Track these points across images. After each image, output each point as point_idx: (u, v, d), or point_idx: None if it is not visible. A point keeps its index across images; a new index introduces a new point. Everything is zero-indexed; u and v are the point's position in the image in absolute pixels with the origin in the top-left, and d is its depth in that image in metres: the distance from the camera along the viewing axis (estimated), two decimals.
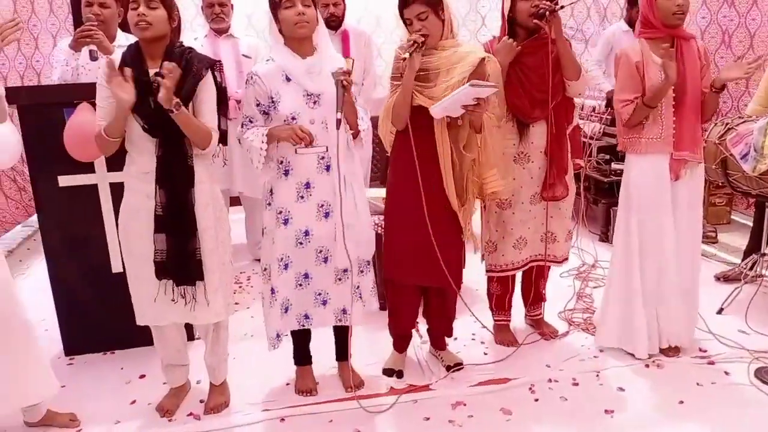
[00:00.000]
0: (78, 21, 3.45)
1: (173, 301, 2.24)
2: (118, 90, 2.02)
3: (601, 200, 4.34)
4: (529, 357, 2.78)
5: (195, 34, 3.78)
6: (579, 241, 3.93)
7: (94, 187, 2.72)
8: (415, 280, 2.54)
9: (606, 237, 4.28)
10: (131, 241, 2.24)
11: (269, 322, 2.38)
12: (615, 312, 2.75)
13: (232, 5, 3.69)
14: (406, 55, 2.22)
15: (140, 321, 2.33)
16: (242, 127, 2.29)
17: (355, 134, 2.36)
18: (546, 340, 2.93)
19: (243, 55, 3.68)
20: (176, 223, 2.16)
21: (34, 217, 4.71)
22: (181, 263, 2.19)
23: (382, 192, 3.02)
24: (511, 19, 2.55)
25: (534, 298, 2.98)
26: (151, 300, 2.24)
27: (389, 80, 2.43)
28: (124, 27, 2.95)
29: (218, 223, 2.28)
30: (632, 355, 2.72)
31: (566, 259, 2.90)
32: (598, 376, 2.63)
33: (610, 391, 2.52)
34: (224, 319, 2.37)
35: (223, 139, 2.28)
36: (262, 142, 2.21)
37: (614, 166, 4.24)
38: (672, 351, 2.74)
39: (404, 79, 2.27)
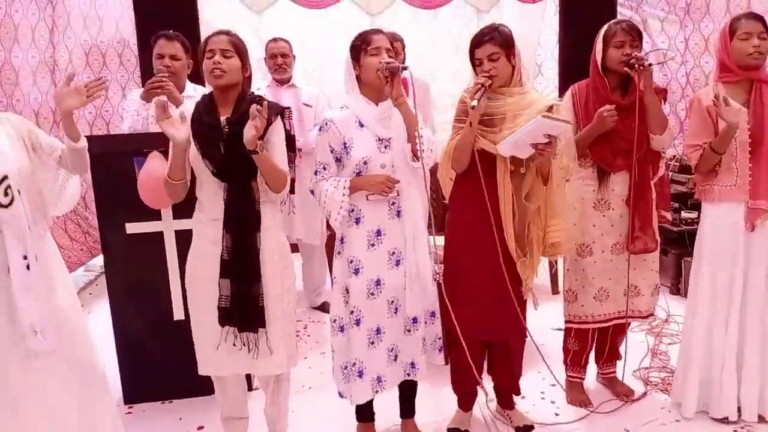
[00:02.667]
0: (146, 73, 3.57)
1: (236, 347, 2.18)
2: (169, 128, 2.04)
3: (671, 250, 4.15)
4: (606, 419, 2.61)
5: (256, 85, 3.86)
6: None
7: (159, 235, 2.74)
8: (480, 335, 2.43)
9: (677, 289, 4.08)
10: (196, 287, 2.22)
11: (340, 379, 2.32)
12: (694, 371, 2.56)
13: (294, 56, 3.78)
14: (474, 103, 2.18)
15: (202, 370, 2.28)
16: (316, 174, 2.26)
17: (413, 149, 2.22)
18: (621, 400, 2.75)
19: (304, 104, 3.74)
20: (241, 267, 2.13)
21: (95, 261, 4.84)
22: (244, 309, 2.15)
23: (440, 240, 2.94)
24: (603, 66, 2.50)
25: (609, 355, 2.82)
26: (213, 348, 2.20)
27: (453, 124, 2.38)
28: (193, 78, 3.04)
29: (284, 271, 2.24)
30: (717, 419, 2.52)
31: (651, 314, 2.74)
32: None
33: None
34: (286, 371, 2.31)
35: (291, 187, 2.26)
36: (344, 194, 2.17)
37: (684, 214, 4.07)
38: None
39: (469, 118, 2.22)
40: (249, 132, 1.98)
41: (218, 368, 2.25)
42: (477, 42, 2.27)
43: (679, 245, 4.09)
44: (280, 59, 3.71)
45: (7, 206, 1.91)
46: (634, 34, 2.43)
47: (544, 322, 2.79)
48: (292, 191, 2.33)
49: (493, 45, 2.23)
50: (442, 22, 5.42)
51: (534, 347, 2.48)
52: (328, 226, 4.08)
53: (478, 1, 5.39)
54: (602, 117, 2.42)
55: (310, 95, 3.81)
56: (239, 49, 2.14)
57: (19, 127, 2.06)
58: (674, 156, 4.60)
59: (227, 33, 2.16)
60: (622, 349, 2.86)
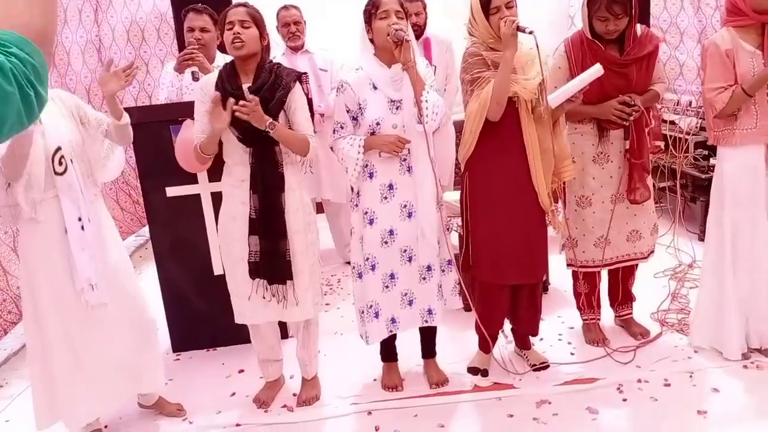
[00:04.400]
0: (182, 45, 3.75)
1: (265, 299, 2.40)
2: (214, 122, 2.24)
3: (699, 197, 4.15)
4: (619, 358, 2.72)
5: (272, 53, 3.99)
6: (676, 241, 3.79)
7: (197, 197, 2.96)
8: (512, 279, 2.55)
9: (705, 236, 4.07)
10: (229, 244, 2.42)
11: (359, 321, 2.51)
12: (707, 311, 2.65)
13: (305, 22, 3.86)
14: (530, 29, 2.23)
15: (238, 319, 2.51)
16: (334, 133, 2.41)
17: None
18: (637, 339, 2.86)
19: (320, 69, 3.84)
20: (268, 225, 2.33)
21: (145, 229, 5.16)
22: (272, 263, 2.35)
23: (455, 195, 3.06)
24: (592, 33, 2.55)
25: (623, 297, 2.92)
26: (246, 299, 2.42)
27: (471, 78, 2.41)
28: (222, 49, 3.20)
29: (308, 227, 2.43)
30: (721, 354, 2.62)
31: (652, 252, 2.83)
32: (691, 377, 2.55)
33: (704, 392, 2.43)
34: (314, 316, 2.51)
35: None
36: (359, 152, 2.33)
37: (713, 161, 4.04)
38: (765, 352, 2.60)
39: (504, 61, 2.27)
40: (252, 120, 2.18)
41: (252, 317, 2.48)
42: None
43: (707, 192, 4.03)
44: (293, 27, 3.77)
45: (62, 174, 2.15)
46: (617, 7, 2.40)
47: (564, 268, 2.89)
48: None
49: None
50: None
51: (557, 291, 2.60)
52: None
53: None
54: (608, 109, 2.52)
55: (324, 60, 3.89)
56: (256, 19, 2.29)
57: (69, 102, 2.28)
58: (689, 102, 4.54)
59: (245, 5, 2.31)
60: (641, 293, 2.95)
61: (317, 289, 2.52)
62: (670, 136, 4.33)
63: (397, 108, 2.34)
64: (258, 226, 2.34)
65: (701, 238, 4.09)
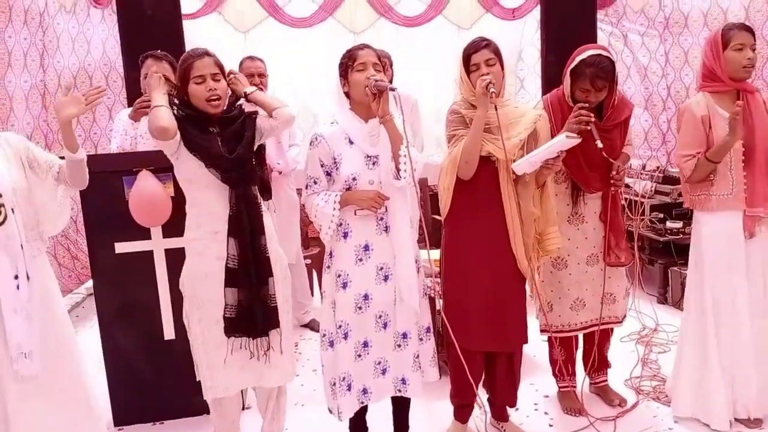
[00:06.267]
0: (133, 94, 3.57)
1: (246, 358, 2.19)
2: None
3: (657, 260, 4.19)
4: (601, 428, 2.61)
5: None
6: (637, 304, 3.77)
7: (149, 254, 2.72)
8: (486, 346, 2.44)
9: (664, 299, 4.11)
10: (200, 307, 2.20)
11: (329, 395, 2.31)
12: (689, 379, 2.59)
13: (268, 76, 3.73)
14: (493, 90, 2.19)
15: (209, 395, 2.24)
16: (307, 188, 2.27)
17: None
18: (614, 408, 2.77)
19: None
20: (249, 271, 2.14)
21: (82, 286, 4.80)
22: (253, 313, 2.15)
23: (433, 254, 2.95)
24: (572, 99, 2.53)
25: (599, 363, 2.83)
26: (221, 365, 2.18)
27: (448, 135, 2.40)
28: None
29: (284, 282, 2.29)
30: (709, 426, 2.54)
31: (625, 317, 2.80)
32: None
33: None
34: (291, 380, 2.33)
35: (270, 192, 2.36)
36: (335, 209, 2.18)
37: (669, 224, 4.12)
38: (754, 423, 2.54)
39: (476, 120, 2.24)
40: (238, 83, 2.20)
41: (226, 388, 2.23)
42: (474, 48, 2.31)
43: (664, 255, 4.13)
44: (257, 78, 3.66)
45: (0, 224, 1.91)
46: (600, 82, 2.39)
47: (532, 333, 2.79)
48: (269, 197, 2.37)
49: (489, 51, 2.29)
50: (424, 40, 5.49)
51: (526, 357, 2.49)
52: (304, 244, 4.08)
53: (459, 19, 5.49)
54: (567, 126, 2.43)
55: None
56: (223, 69, 2.18)
57: (16, 145, 2.06)
58: (658, 167, 4.67)
59: (209, 53, 2.16)
60: (610, 359, 2.88)
61: (292, 351, 2.33)
62: (626, 199, 4.39)
63: (373, 163, 2.23)
64: (237, 274, 2.14)
65: (660, 301, 4.13)
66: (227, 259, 2.13)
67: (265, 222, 2.21)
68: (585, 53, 2.43)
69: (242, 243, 2.13)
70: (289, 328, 2.29)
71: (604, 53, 2.44)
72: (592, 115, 2.39)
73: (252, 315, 2.15)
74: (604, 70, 2.39)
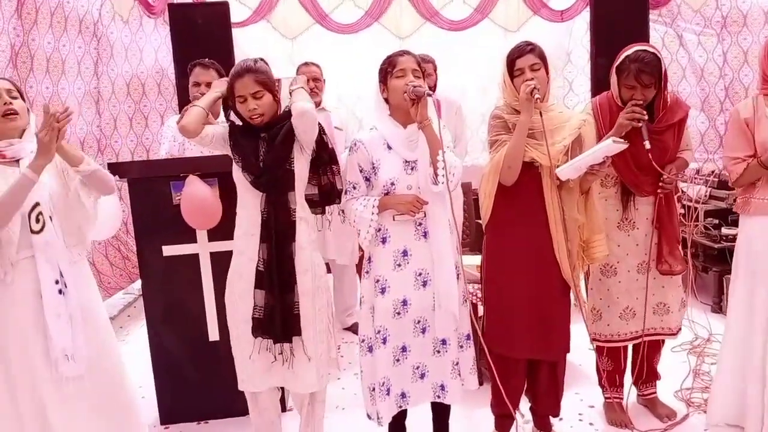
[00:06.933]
0: (183, 100, 3.67)
1: (269, 361, 2.21)
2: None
3: (711, 268, 4.03)
4: None
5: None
6: (690, 313, 3.65)
7: (195, 257, 2.79)
8: (529, 354, 2.40)
9: (719, 308, 3.95)
10: (234, 303, 2.25)
11: (368, 400, 2.31)
12: (728, 387, 2.50)
13: (324, 81, 3.83)
14: (537, 96, 2.15)
15: (242, 386, 2.31)
16: (346, 193, 2.28)
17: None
18: (663, 422, 2.67)
19: (335, 128, 3.78)
20: (275, 278, 2.16)
21: (134, 285, 4.95)
22: (277, 318, 2.17)
23: (475, 260, 2.92)
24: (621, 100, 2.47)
25: (648, 375, 2.74)
26: (249, 362, 2.23)
27: (490, 140, 2.37)
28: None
29: (317, 291, 2.26)
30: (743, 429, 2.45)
31: (680, 329, 2.69)
32: None
33: None
34: (318, 390, 2.31)
35: (340, 196, 2.31)
36: (373, 213, 2.18)
37: (724, 231, 3.96)
38: None
39: (519, 125, 2.21)
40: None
41: (254, 383, 2.28)
42: (518, 53, 2.27)
43: (719, 262, 3.97)
44: (311, 83, 3.75)
45: (38, 232, 1.98)
46: (645, 78, 2.33)
47: (579, 341, 2.72)
48: (323, 212, 2.35)
49: (534, 56, 2.25)
50: (470, 43, 5.45)
51: (571, 365, 2.44)
52: (360, 247, 4.10)
53: (506, 22, 5.41)
54: (621, 121, 2.37)
55: (340, 119, 3.86)
56: (266, 84, 2.15)
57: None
58: (713, 171, 4.50)
59: (250, 70, 2.13)
60: (661, 369, 2.79)
61: (324, 362, 2.31)
62: (683, 205, 4.25)
63: (412, 169, 2.22)
64: (265, 278, 2.17)
65: (715, 310, 3.98)
66: (258, 262, 2.17)
67: (299, 230, 2.20)
68: (629, 50, 2.39)
69: (270, 248, 2.16)
70: (323, 338, 2.27)
71: (650, 49, 2.38)
72: (645, 113, 2.33)
73: (274, 319, 2.17)
74: (649, 65, 2.33)
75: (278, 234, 2.16)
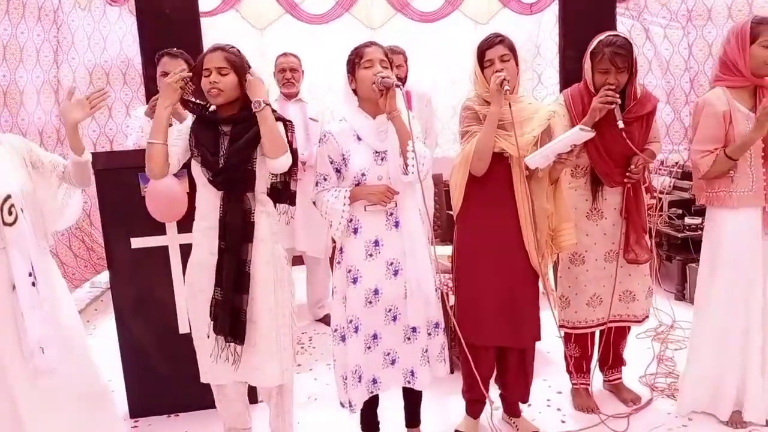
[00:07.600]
0: (150, 91, 3.61)
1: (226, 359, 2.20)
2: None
3: (675, 257, 4.13)
4: (613, 425, 2.59)
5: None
6: (654, 301, 3.72)
7: (164, 249, 2.76)
8: (497, 341, 2.43)
9: (682, 295, 4.06)
10: (195, 295, 2.24)
11: (341, 389, 2.31)
12: (700, 377, 2.56)
13: (302, 71, 3.81)
14: (507, 87, 2.17)
15: (203, 378, 2.30)
16: (317, 185, 2.28)
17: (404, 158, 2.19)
18: (628, 406, 2.73)
19: (310, 119, 3.77)
20: (227, 278, 2.15)
21: (100, 278, 4.86)
22: (227, 318, 2.15)
23: (447, 250, 2.95)
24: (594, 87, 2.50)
25: (613, 361, 2.81)
26: (209, 356, 2.21)
27: (461, 131, 2.39)
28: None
29: (279, 284, 2.23)
30: (725, 423, 2.52)
31: (647, 317, 2.75)
32: None
33: None
34: (281, 383, 2.28)
35: (292, 199, 2.28)
36: (344, 204, 2.18)
37: (688, 220, 4.06)
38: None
39: (489, 116, 2.23)
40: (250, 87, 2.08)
41: (216, 376, 2.27)
42: (488, 44, 2.30)
43: (683, 251, 4.08)
44: (288, 73, 3.73)
45: (11, 224, 1.94)
46: (619, 60, 2.37)
47: (547, 329, 2.77)
48: (293, 203, 2.33)
49: (503, 47, 2.27)
50: (441, 35, 5.47)
51: (540, 353, 2.48)
52: (333, 239, 4.09)
53: (476, 14, 5.44)
54: (595, 106, 2.39)
55: (316, 110, 3.85)
56: (235, 63, 2.11)
57: (20, 147, 2.10)
58: (677, 162, 4.61)
59: (222, 48, 2.13)
60: (625, 355, 2.85)
61: (287, 354, 2.27)
62: (653, 196, 4.35)
63: (382, 159, 2.23)
64: (220, 276, 2.16)
65: (678, 297, 4.08)
66: (218, 260, 2.15)
67: (259, 224, 2.18)
68: (602, 36, 2.45)
69: (225, 247, 2.13)
70: (286, 331, 2.25)
71: (621, 35, 2.44)
72: (618, 96, 2.37)
73: (227, 320, 2.14)
74: (623, 48, 2.38)
75: (233, 234, 2.13)
